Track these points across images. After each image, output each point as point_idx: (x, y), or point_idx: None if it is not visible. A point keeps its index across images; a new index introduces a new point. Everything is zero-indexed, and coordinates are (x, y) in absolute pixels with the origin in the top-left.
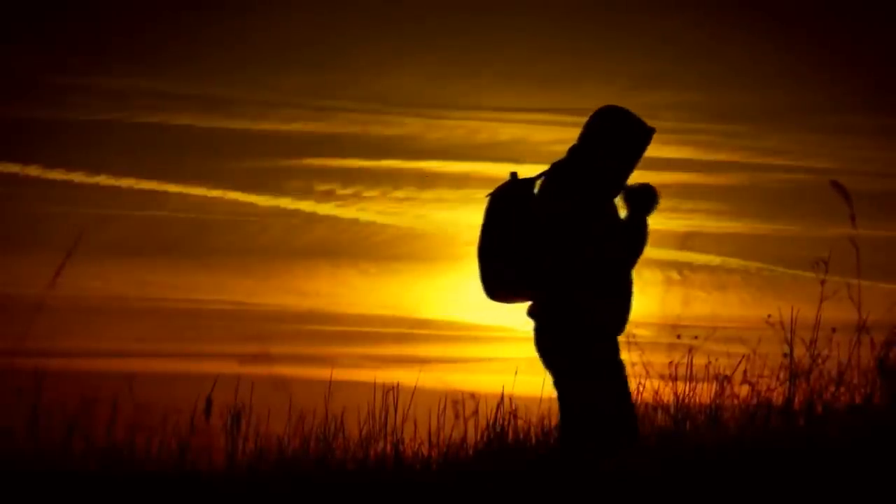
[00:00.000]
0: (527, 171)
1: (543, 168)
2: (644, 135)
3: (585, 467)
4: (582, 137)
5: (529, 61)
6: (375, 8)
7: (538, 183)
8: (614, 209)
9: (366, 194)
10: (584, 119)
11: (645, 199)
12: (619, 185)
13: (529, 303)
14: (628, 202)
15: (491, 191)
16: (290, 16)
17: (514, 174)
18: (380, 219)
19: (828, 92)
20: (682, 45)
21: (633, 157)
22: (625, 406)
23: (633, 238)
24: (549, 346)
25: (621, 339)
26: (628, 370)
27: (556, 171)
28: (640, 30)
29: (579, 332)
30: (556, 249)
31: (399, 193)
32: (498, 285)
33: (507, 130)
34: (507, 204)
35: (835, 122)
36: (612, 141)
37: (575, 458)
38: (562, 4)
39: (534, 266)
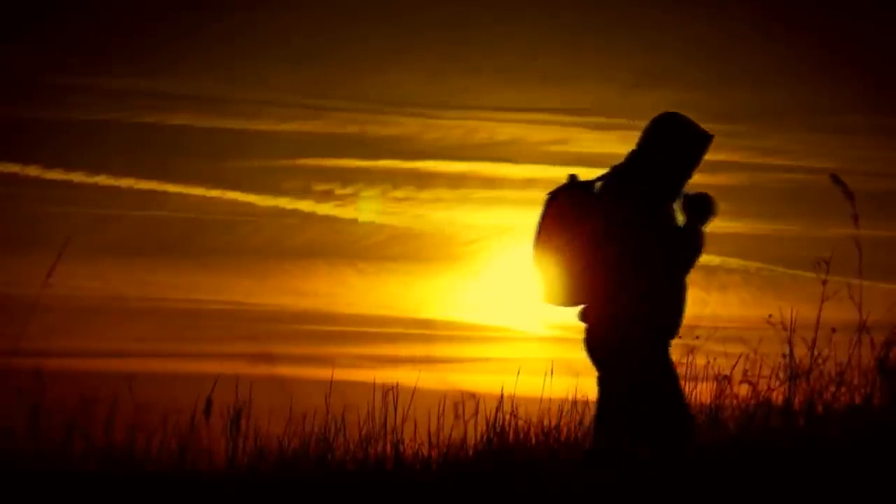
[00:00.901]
0: (525, 171)
1: (545, 168)
2: (702, 141)
3: (618, 469)
4: (640, 142)
5: (528, 60)
6: (373, 8)
7: (596, 186)
8: (672, 214)
9: (364, 194)
10: (583, 119)
11: (702, 207)
12: (676, 191)
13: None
14: (685, 209)
15: (549, 192)
16: (288, 16)
17: (572, 176)
18: (378, 219)
19: (828, 91)
20: (683, 44)
21: (690, 163)
22: (678, 406)
23: (689, 245)
24: (601, 349)
25: None
26: None
27: (615, 175)
28: (640, 29)
29: (633, 335)
30: (614, 252)
31: (398, 193)
32: (553, 288)
33: (506, 130)
34: (564, 206)
35: (835, 121)
36: (670, 147)
37: (610, 462)
38: (561, 3)
39: (589, 269)
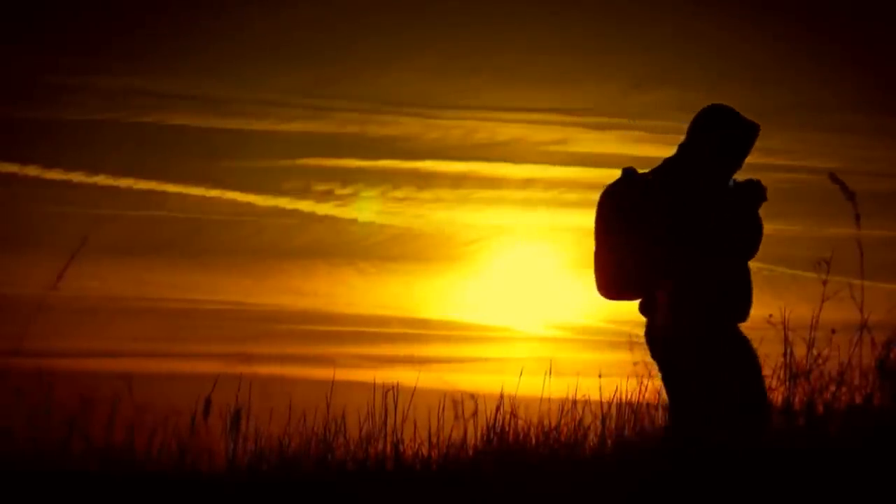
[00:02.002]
0: (525, 171)
1: (545, 168)
2: (747, 131)
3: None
4: (688, 135)
5: (528, 60)
6: (373, 7)
7: (651, 179)
8: (727, 203)
9: (364, 194)
10: (583, 119)
11: (753, 192)
12: (727, 181)
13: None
14: (738, 195)
15: (606, 186)
16: (288, 15)
17: (626, 170)
18: (378, 219)
19: (831, 90)
20: (683, 43)
21: (737, 153)
22: (757, 389)
23: (752, 228)
24: (665, 340)
25: (623, 339)
26: (631, 369)
27: (668, 167)
28: (641, 29)
29: (695, 324)
30: (671, 242)
31: (398, 193)
32: (612, 281)
33: (506, 130)
34: (620, 199)
35: (838, 120)
36: (717, 138)
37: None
38: (561, 3)
39: (648, 260)
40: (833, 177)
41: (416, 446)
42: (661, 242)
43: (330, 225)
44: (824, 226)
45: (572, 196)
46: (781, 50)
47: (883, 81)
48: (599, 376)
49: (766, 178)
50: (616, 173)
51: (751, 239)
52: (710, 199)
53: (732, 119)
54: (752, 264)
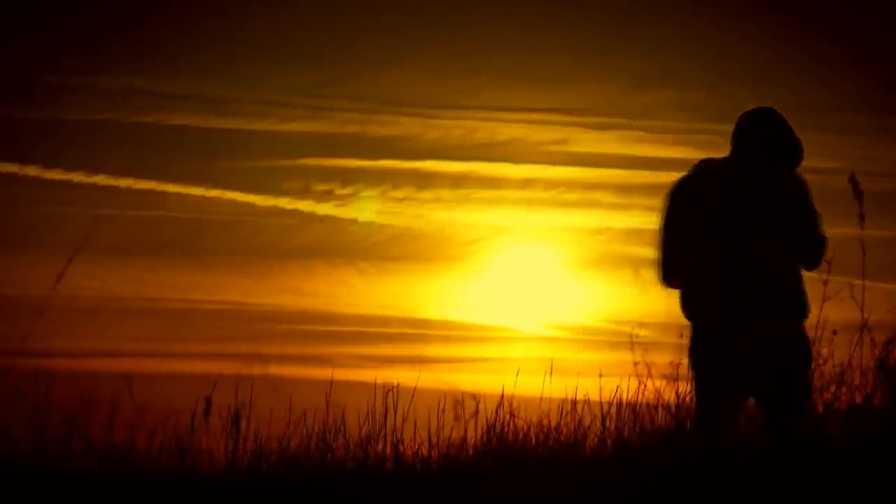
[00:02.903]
0: (525, 171)
1: (545, 168)
2: (785, 142)
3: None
4: (732, 136)
5: (528, 60)
6: (373, 7)
7: (719, 173)
8: (765, 202)
9: (364, 194)
10: (583, 119)
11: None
12: (766, 184)
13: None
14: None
15: (675, 179)
16: (288, 15)
17: (702, 162)
18: (378, 219)
19: (831, 91)
20: (683, 44)
21: (774, 160)
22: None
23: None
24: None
25: (623, 339)
26: (631, 369)
27: (730, 163)
28: (641, 28)
29: (720, 322)
30: (700, 240)
31: (398, 193)
32: (675, 270)
33: (506, 130)
34: (687, 193)
35: (838, 121)
36: (752, 140)
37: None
38: (561, 2)
39: (686, 256)
40: (852, 178)
41: (416, 446)
42: (693, 239)
43: (330, 225)
44: (825, 226)
45: (572, 196)
46: (781, 50)
47: (883, 81)
48: (600, 376)
49: None
50: (615, 173)
51: (807, 243)
52: (744, 199)
53: (770, 124)
54: None
